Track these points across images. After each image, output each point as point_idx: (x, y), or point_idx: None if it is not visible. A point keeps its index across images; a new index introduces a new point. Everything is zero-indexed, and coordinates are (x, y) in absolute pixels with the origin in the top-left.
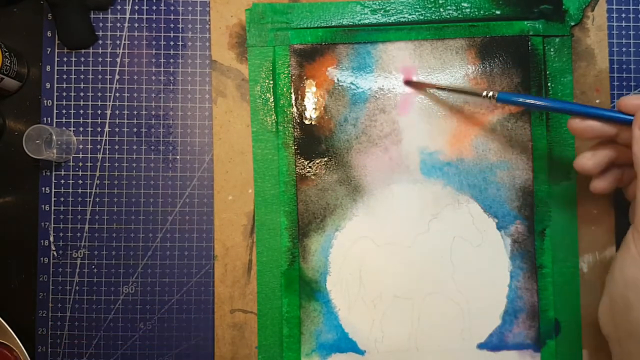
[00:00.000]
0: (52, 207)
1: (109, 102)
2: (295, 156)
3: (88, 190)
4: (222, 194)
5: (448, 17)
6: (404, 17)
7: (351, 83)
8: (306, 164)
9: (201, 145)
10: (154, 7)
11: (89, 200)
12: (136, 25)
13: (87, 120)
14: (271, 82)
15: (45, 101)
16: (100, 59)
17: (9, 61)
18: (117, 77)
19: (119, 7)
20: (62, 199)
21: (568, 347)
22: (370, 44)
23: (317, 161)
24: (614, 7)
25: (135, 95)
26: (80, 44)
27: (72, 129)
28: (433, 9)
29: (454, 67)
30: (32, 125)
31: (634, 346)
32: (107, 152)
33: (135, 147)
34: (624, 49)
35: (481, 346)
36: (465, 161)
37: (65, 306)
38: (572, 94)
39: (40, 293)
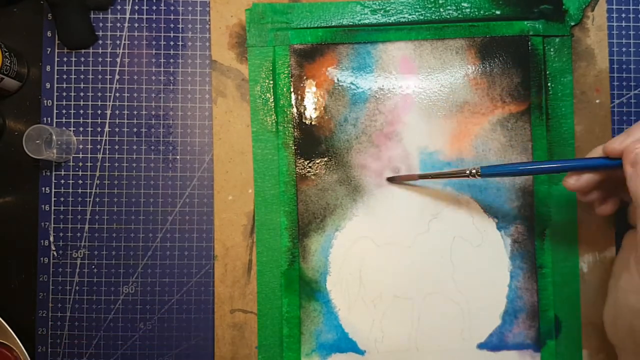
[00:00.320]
0: (52, 207)
1: (109, 102)
2: (295, 156)
3: (88, 190)
4: (222, 194)
5: (448, 17)
6: (404, 17)
7: (351, 83)
8: (306, 164)
9: (201, 145)
10: (154, 7)
11: (89, 200)
12: (136, 25)
13: (87, 120)
14: (271, 82)
15: (45, 101)
16: (100, 59)
17: (9, 61)
18: (117, 77)
19: (119, 7)
20: (62, 199)
21: (568, 347)
22: (370, 44)
23: (317, 161)
24: (614, 7)
25: (135, 95)
26: (80, 44)
27: (72, 129)
28: (433, 9)
29: (454, 67)
30: (32, 125)
31: None
32: (107, 152)
33: (135, 147)
34: (624, 49)
35: (481, 346)
36: (465, 161)
37: (65, 306)
38: (572, 94)
39: (40, 293)
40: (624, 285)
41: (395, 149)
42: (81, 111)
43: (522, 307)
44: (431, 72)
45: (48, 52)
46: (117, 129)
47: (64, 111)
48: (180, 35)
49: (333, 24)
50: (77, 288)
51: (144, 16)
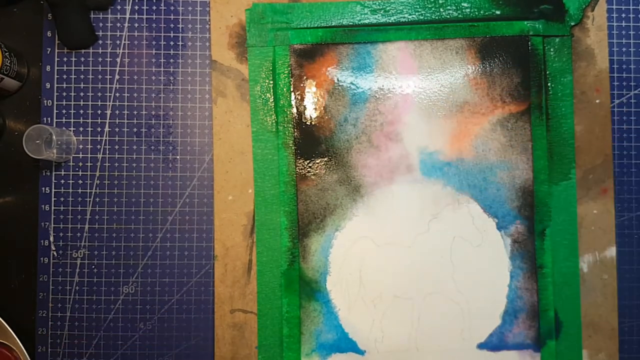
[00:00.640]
0: (52, 207)
1: (109, 102)
2: (295, 156)
3: (88, 190)
4: (222, 194)
5: (448, 17)
6: (404, 17)
7: (351, 83)
8: (306, 164)
9: (201, 145)
10: (154, 7)
11: (89, 200)
12: (136, 25)
13: (87, 120)
14: (271, 82)
15: (45, 101)
16: (100, 59)
17: (9, 61)
18: (117, 77)
19: (119, 7)
20: (62, 199)
21: (568, 347)
22: (370, 44)
23: (317, 161)
24: (614, 7)
25: (135, 95)
26: (80, 44)
27: (72, 129)
28: (433, 9)
29: (454, 67)
30: (32, 125)
31: None
32: (107, 152)
33: (135, 147)
34: (624, 49)
35: (481, 346)
36: (465, 161)
37: (65, 306)
38: (572, 94)
39: (40, 293)
40: None
41: (395, 149)
42: (81, 111)
43: (522, 307)
44: (431, 72)
45: (48, 52)
46: (117, 129)
47: (64, 111)
48: (180, 35)
49: (333, 24)
50: (77, 288)
51: (144, 16)
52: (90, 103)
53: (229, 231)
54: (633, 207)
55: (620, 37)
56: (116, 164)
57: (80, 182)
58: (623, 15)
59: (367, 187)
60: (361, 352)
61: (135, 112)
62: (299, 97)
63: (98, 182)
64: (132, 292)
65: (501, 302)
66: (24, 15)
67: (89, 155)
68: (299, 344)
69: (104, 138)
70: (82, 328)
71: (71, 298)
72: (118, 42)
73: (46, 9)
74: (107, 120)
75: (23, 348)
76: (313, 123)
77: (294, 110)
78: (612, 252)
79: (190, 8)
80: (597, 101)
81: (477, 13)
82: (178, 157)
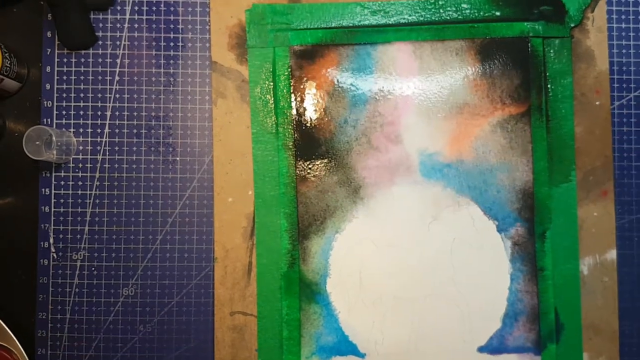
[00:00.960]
0: (52, 209)
1: (109, 103)
2: (295, 158)
3: (88, 192)
4: (222, 195)
5: (448, 18)
6: (404, 18)
7: (351, 84)
8: (306, 165)
9: (201, 147)
10: (154, 8)
11: (89, 202)
12: (136, 25)
13: (87, 122)
14: (271, 83)
15: (45, 102)
16: (100, 60)
17: (8, 62)
18: (117, 78)
19: (119, 8)
20: (62, 200)
21: (569, 350)
22: (370, 45)
23: (317, 163)
24: (614, 8)
25: (135, 96)
26: (80, 45)
27: (72, 130)
28: (433, 10)
29: (454, 69)
30: (32, 127)
31: None
32: (107, 153)
33: (135, 148)
34: (623, 51)
35: (481, 349)
36: (465, 163)
37: (65, 308)
38: (572, 96)
39: (40, 295)
40: None
41: (395, 151)
42: (81, 112)
43: (523, 309)
44: (431, 73)
45: (48, 53)
46: (117, 130)
47: (64, 112)
48: (180, 36)
49: (333, 25)
50: (76, 290)
51: (144, 17)
52: (90, 104)
53: (228, 233)
54: (633, 209)
55: (620, 38)
56: (116, 165)
57: (80, 183)
58: (623, 16)
59: (367, 188)
60: (361, 355)
61: (135, 113)
62: (299, 99)
63: (98, 183)
64: (132, 294)
65: (501, 304)
66: (24, 15)
67: (89, 157)
68: (299, 346)
69: (104, 139)
70: (81, 330)
71: (71, 300)
72: (118, 42)
73: (46, 9)
74: (107, 122)
75: (23, 350)
76: (313, 124)
77: (294, 111)
78: (612, 254)
79: (190, 9)
80: (597, 103)
81: (477, 14)
82: (178, 158)
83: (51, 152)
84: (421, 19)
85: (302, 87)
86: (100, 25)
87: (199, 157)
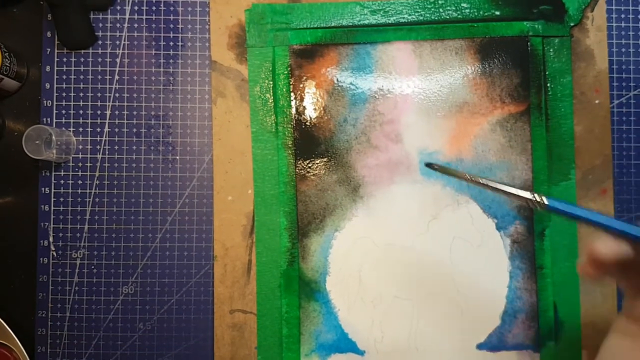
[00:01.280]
0: (52, 208)
1: (109, 102)
2: (295, 156)
3: (88, 191)
4: (221, 194)
5: (448, 17)
6: (404, 18)
7: (351, 83)
8: (306, 164)
9: (201, 146)
10: (154, 8)
11: (89, 201)
12: (136, 25)
13: (87, 121)
14: (271, 82)
15: (45, 101)
16: (100, 59)
17: (8, 61)
18: (117, 77)
19: (119, 7)
20: (61, 199)
21: (568, 347)
22: (370, 44)
23: (317, 162)
24: (614, 7)
25: (135, 95)
26: (80, 44)
27: (71, 129)
28: (433, 9)
29: (453, 68)
30: (31, 126)
31: None
32: (107, 152)
33: (135, 147)
34: (623, 50)
35: (480, 346)
36: (465, 161)
37: (64, 306)
38: (572, 95)
39: (39, 293)
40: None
41: (395, 149)
42: (81, 111)
43: (522, 307)
44: (431, 72)
45: (48, 53)
46: (116, 129)
47: (63, 111)
48: (180, 35)
49: (332, 25)
50: (76, 288)
51: (144, 16)
52: (90, 103)
53: (228, 231)
54: (632, 207)
55: (619, 37)
56: (116, 164)
57: (79, 182)
58: (622, 15)
59: (366, 187)
60: (361, 353)
61: (135, 113)
62: (299, 98)
63: (98, 182)
64: (131, 292)
65: (501, 302)
66: (24, 15)
67: (89, 156)
68: (299, 344)
69: (104, 138)
70: (81, 328)
71: (71, 298)
72: (118, 42)
73: (46, 10)
74: (107, 121)
75: (22, 348)
76: (313, 123)
77: (294, 110)
78: None
79: (189, 8)
80: (597, 101)
81: (476, 13)
82: (178, 157)
83: (51, 151)
84: (421, 18)
85: (301, 86)
86: (100, 25)
87: (199, 156)
